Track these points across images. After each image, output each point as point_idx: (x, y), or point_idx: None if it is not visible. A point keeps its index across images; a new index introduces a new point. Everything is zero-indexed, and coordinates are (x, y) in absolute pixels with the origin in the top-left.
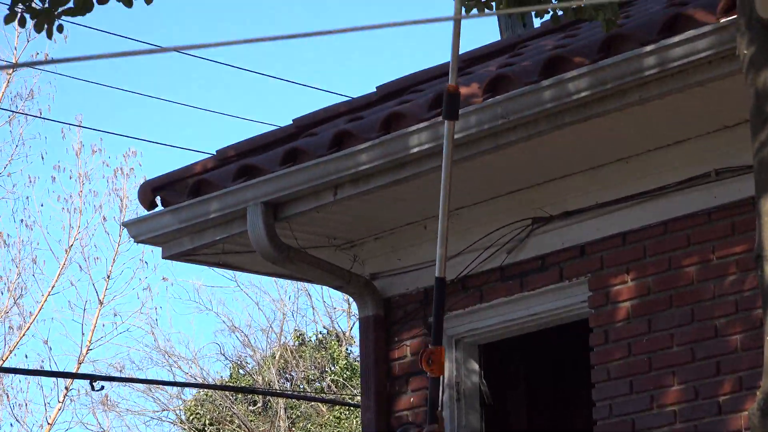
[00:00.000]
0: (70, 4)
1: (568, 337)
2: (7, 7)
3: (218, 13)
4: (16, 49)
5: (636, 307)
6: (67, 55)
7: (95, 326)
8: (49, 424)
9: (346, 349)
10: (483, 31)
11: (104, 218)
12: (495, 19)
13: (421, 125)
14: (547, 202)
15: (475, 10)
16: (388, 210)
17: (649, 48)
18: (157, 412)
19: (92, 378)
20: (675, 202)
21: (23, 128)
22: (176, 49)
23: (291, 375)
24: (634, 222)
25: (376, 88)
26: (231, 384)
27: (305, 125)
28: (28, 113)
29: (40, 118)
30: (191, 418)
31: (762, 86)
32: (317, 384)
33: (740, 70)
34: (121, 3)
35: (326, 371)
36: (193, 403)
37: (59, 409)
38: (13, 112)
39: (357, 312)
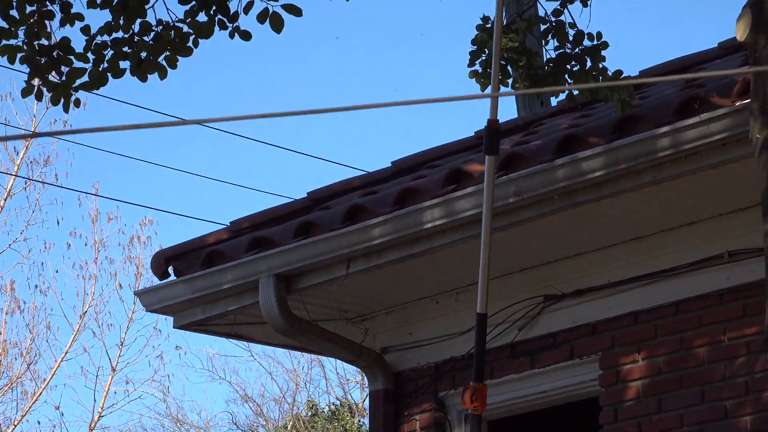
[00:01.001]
0: (86, 78)
1: (578, 414)
2: (24, 80)
3: (232, 83)
4: (35, 116)
5: (646, 387)
6: (86, 123)
7: (107, 393)
8: None
9: (359, 421)
10: (500, 107)
11: (119, 285)
12: (512, 96)
13: (435, 201)
14: (560, 279)
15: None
16: (400, 284)
17: (663, 129)
18: None
19: None
20: (687, 282)
21: (40, 194)
22: (198, 122)
23: None
24: (646, 302)
25: (391, 162)
26: None
27: (319, 198)
28: (44, 181)
29: (56, 186)
30: None
31: None
32: None
33: (754, 153)
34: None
35: None
36: None
37: None
38: (29, 179)
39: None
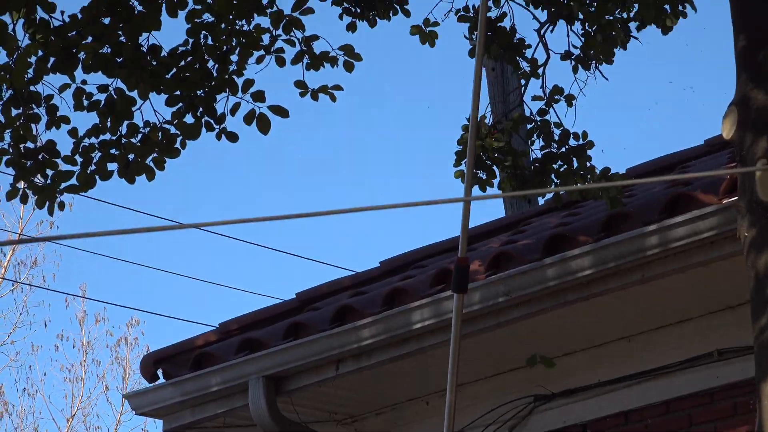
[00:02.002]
0: (73, 181)
1: None
2: (10, 183)
3: (220, 181)
4: (21, 218)
5: None
6: (74, 223)
7: None
8: None
9: None
10: (488, 205)
11: (107, 387)
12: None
13: (424, 301)
14: (549, 379)
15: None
16: (389, 385)
17: (651, 227)
18: None
19: None
20: (677, 381)
21: (27, 296)
22: (182, 227)
23: None
24: (636, 401)
25: (380, 263)
26: None
27: (308, 299)
28: (32, 283)
29: (44, 288)
30: None
31: (762, 269)
32: None
33: (742, 251)
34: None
35: None
36: None
37: None
38: (17, 282)
39: None
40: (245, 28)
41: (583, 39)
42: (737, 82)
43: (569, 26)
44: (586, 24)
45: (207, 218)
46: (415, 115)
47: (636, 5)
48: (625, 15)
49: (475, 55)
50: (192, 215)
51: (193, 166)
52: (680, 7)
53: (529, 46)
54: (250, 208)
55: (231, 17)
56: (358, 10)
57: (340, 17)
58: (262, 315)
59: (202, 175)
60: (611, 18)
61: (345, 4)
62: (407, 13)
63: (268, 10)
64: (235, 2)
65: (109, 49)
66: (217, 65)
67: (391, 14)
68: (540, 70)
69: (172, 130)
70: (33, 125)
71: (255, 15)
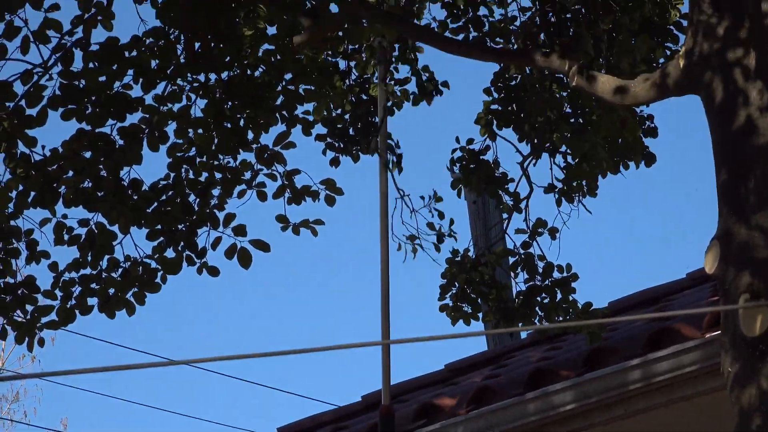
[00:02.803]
0: (53, 316)
1: None
2: None
3: (204, 315)
4: (2, 351)
5: None
6: (56, 357)
7: None
8: None
9: None
10: (471, 337)
11: None
12: (482, 327)
13: None
14: None
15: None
16: None
17: (634, 362)
18: None
19: None
20: None
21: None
22: (161, 365)
23: None
24: None
25: (362, 397)
26: None
27: None
28: (13, 419)
29: (25, 423)
30: None
31: (747, 404)
32: None
33: (726, 386)
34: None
35: None
36: None
37: None
38: None
39: None
40: (230, 163)
41: (565, 171)
42: (719, 216)
43: (552, 159)
44: (569, 156)
45: (190, 351)
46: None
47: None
48: (607, 147)
49: (456, 187)
50: (174, 347)
51: (173, 295)
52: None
53: (512, 180)
54: (231, 339)
55: (213, 151)
56: (341, 145)
57: (324, 153)
58: None
59: (181, 304)
60: (594, 149)
61: (328, 140)
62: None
63: (254, 146)
64: (216, 138)
65: (90, 183)
66: (198, 199)
67: (373, 148)
68: (523, 204)
69: (153, 264)
70: (13, 260)
71: (240, 150)
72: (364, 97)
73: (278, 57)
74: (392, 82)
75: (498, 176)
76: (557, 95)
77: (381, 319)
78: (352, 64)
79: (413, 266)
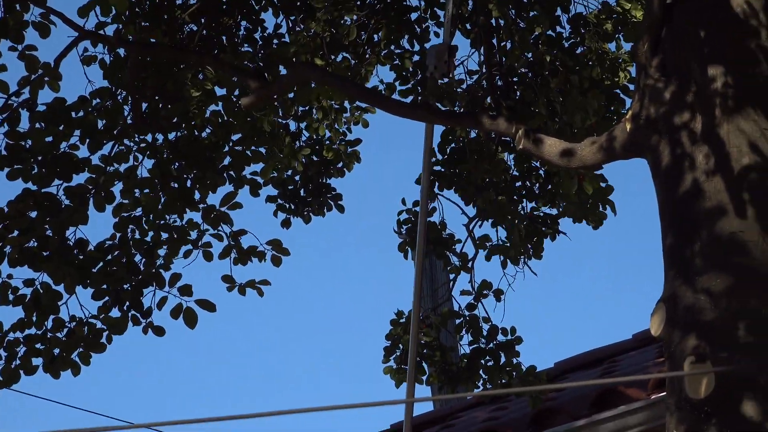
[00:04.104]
0: None
1: None
2: None
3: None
4: None
5: None
6: (2, 419)
7: None
8: None
9: None
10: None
11: None
12: (427, 388)
13: None
14: None
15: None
16: None
17: (580, 422)
18: None
19: None
20: None
21: None
22: (120, 429)
23: None
24: None
25: None
26: None
27: None
28: None
29: None
30: None
31: None
32: None
33: None
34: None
35: None
36: None
37: None
38: None
39: None
40: (176, 223)
41: (510, 237)
42: (665, 278)
43: (498, 222)
44: (516, 220)
45: (149, 413)
46: (337, 310)
47: (563, 204)
48: (555, 211)
49: (403, 249)
50: (132, 408)
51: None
52: (602, 209)
53: (459, 241)
54: (188, 400)
55: (160, 211)
56: (293, 207)
57: (275, 214)
58: None
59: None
60: (540, 215)
61: (279, 201)
62: (341, 209)
63: (201, 206)
64: (163, 198)
65: (36, 243)
66: (144, 259)
67: (325, 210)
68: (469, 264)
69: (99, 324)
70: None
71: (187, 210)
72: (315, 158)
73: (226, 118)
74: (343, 143)
75: (445, 237)
76: (505, 157)
77: (408, 378)
78: (303, 125)
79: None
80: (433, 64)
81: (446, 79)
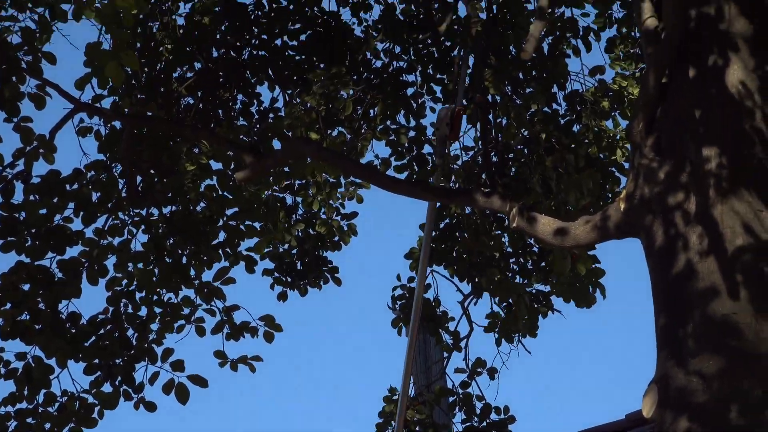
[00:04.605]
0: None
1: None
2: None
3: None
4: None
5: None
6: None
7: None
8: None
9: None
10: None
11: None
12: None
13: None
14: None
15: None
16: None
17: None
18: None
19: None
20: None
21: None
22: None
23: None
24: None
25: None
26: None
27: None
28: None
29: None
30: None
31: None
32: None
33: None
34: None
35: None
36: None
37: None
38: None
39: None
40: (170, 298)
41: (505, 313)
42: (658, 359)
43: (493, 299)
44: (510, 299)
45: None
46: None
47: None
48: (549, 288)
49: (396, 325)
50: None
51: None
52: (592, 291)
53: (453, 318)
54: None
55: (153, 285)
56: (289, 279)
57: (272, 287)
58: None
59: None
60: (532, 291)
61: (276, 274)
62: (338, 282)
63: (196, 282)
64: (157, 272)
65: (28, 316)
66: (136, 333)
67: (322, 282)
68: (463, 343)
69: (90, 399)
70: None
71: (183, 287)
72: (311, 232)
73: (221, 192)
74: (338, 218)
75: (439, 314)
76: (500, 234)
77: None
78: (299, 199)
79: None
80: (437, 125)
81: (449, 142)
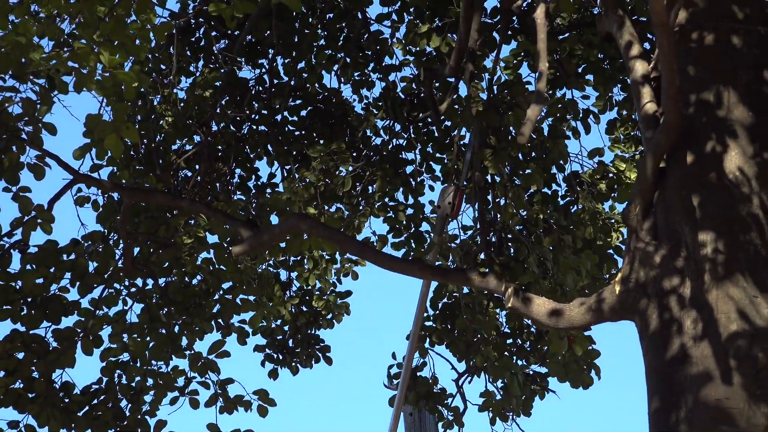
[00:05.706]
0: None
1: None
2: None
3: None
4: None
5: None
6: None
7: None
8: None
9: None
10: None
11: None
12: None
13: None
14: None
15: None
16: None
17: None
18: None
19: None
20: None
21: None
22: None
23: None
24: None
25: None
26: None
27: None
28: None
29: None
30: None
31: None
32: None
33: None
34: None
35: None
36: None
37: None
38: None
39: None
40: (163, 369)
41: (501, 393)
42: None
43: (488, 377)
44: (505, 378)
45: None
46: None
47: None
48: (545, 369)
49: (393, 403)
50: None
51: None
52: (587, 371)
53: (451, 395)
54: None
55: (147, 356)
56: (281, 357)
57: (262, 364)
58: None
59: None
60: (529, 373)
61: (267, 351)
62: (329, 361)
63: (187, 353)
64: (151, 343)
65: (22, 385)
66: (130, 404)
67: (313, 362)
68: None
69: None
70: None
71: (173, 356)
72: (304, 309)
73: (217, 265)
74: (334, 294)
75: (437, 392)
76: (496, 314)
77: None
78: (293, 274)
79: None
80: (440, 203)
81: (450, 220)
